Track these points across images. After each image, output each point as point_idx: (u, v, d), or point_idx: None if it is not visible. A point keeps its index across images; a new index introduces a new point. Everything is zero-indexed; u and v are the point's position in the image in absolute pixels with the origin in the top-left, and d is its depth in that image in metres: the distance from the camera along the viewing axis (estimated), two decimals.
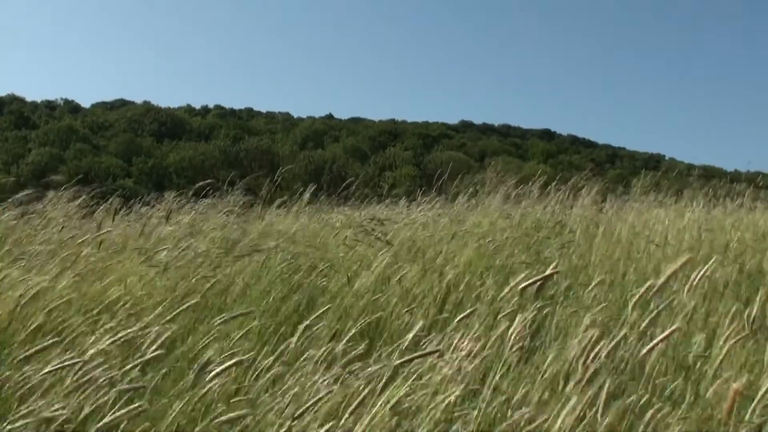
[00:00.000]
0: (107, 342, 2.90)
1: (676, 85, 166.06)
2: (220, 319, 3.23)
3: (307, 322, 3.34)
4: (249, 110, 78.08)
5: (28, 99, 67.73)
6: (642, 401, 2.66)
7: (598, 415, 2.39)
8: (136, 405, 2.40)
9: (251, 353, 3.10)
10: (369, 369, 2.68)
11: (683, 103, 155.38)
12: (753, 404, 2.45)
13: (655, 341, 2.53)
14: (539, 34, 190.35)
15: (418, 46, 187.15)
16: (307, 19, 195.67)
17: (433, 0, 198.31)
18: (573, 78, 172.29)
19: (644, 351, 2.60)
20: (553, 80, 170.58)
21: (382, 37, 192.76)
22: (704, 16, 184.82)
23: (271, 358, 3.08)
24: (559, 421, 2.34)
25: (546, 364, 2.80)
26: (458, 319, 3.02)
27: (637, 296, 2.70)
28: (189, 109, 75.11)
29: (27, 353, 2.77)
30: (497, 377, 2.63)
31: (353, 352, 3.02)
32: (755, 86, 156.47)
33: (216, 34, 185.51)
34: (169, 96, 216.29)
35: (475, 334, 2.89)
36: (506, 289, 2.86)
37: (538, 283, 2.64)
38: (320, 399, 2.44)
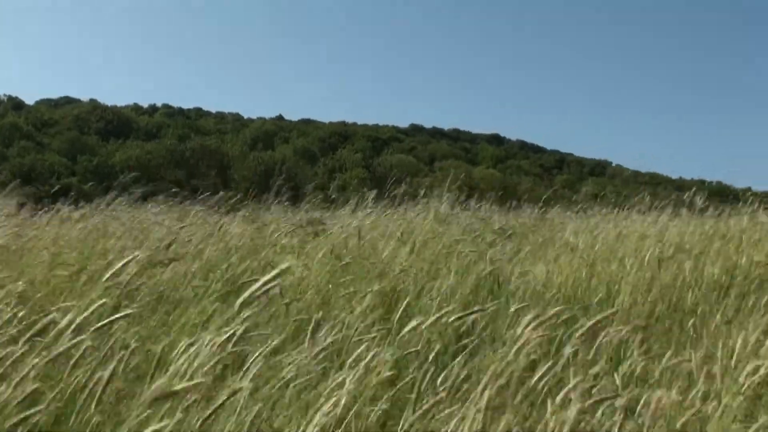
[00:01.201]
0: None
1: (624, 92, 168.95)
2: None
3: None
4: (198, 110, 77.44)
5: None
6: None
7: None
8: None
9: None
10: None
11: (631, 110, 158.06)
12: None
13: None
14: (490, 39, 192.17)
15: (370, 49, 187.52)
16: (258, 19, 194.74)
17: (385, 2, 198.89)
18: (523, 83, 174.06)
19: None
20: (504, 85, 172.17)
21: (333, 39, 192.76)
22: (653, 23, 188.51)
23: None
24: None
25: None
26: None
27: None
28: (136, 108, 74.15)
29: None
30: None
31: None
32: (703, 94, 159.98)
33: (165, 32, 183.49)
34: (116, 94, 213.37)
35: None
36: None
37: None
38: None
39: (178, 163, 36.26)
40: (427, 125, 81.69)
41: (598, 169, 70.39)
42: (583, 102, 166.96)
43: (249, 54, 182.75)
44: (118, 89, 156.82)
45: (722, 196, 10.66)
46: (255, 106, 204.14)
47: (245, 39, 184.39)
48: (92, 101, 67.52)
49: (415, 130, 78.74)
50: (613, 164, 71.55)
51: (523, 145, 79.16)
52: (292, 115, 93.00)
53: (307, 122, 72.36)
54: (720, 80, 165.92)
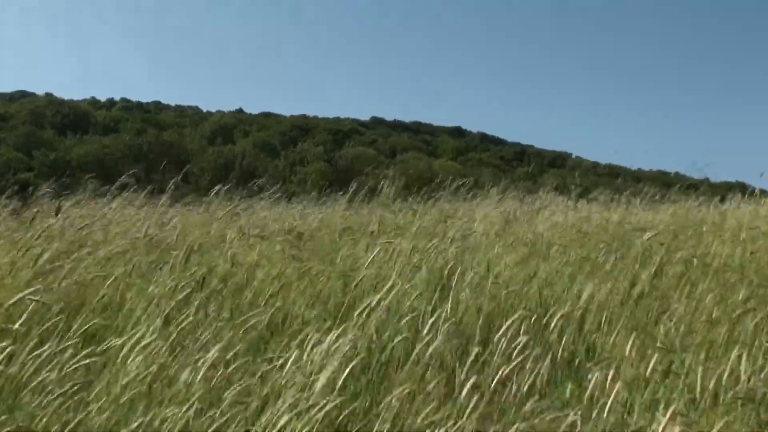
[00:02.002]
0: None
1: (584, 84, 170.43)
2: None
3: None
4: (157, 103, 76.61)
5: None
6: None
7: None
8: None
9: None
10: None
11: (590, 102, 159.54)
12: None
13: None
14: (450, 32, 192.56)
15: (331, 42, 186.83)
16: (217, 12, 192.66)
17: None
18: (484, 76, 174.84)
19: None
20: (465, 78, 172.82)
21: (293, 32, 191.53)
22: (611, 16, 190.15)
23: None
24: None
25: None
26: None
27: None
28: (93, 102, 73.10)
29: None
30: None
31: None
32: (662, 86, 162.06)
33: (123, 25, 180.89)
34: (72, 88, 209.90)
35: None
36: None
37: None
38: None
39: (136, 158, 35.81)
40: (388, 118, 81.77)
41: (559, 160, 71.00)
42: (543, 95, 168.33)
43: (209, 47, 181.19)
44: (74, 83, 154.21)
45: (680, 187, 10.81)
46: (215, 100, 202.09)
47: (205, 32, 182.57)
48: (48, 95, 66.46)
49: (377, 122, 78.73)
50: (573, 156, 72.29)
51: (484, 138, 79.52)
52: (252, 109, 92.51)
53: (267, 115, 71.96)
54: (678, 74, 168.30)
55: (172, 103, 77.75)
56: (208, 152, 39.07)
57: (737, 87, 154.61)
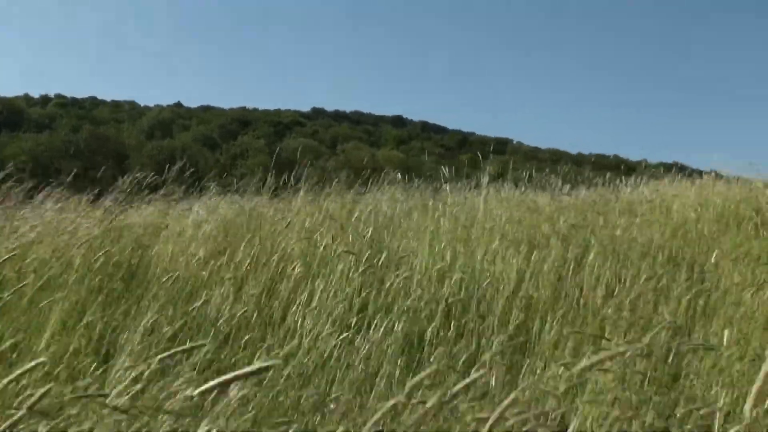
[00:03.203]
0: None
1: (523, 70, 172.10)
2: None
3: None
4: (93, 99, 75.13)
5: None
6: None
7: None
8: None
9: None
10: None
11: (531, 89, 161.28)
12: None
13: None
14: (390, 21, 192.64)
15: (269, 33, 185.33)
16: (153, 5, 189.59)
17: None
18: (424, 65, 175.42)
19: None
20: (405, 67, 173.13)
21: (231, 25, 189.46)
22: (552, 3, 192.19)
23: None
24: None
25: None
26: None
27: None
28: (27, 99, 71.40)
29: None
30: None
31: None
32: (600, 71, 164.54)
33: (56, 20, 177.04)
34: (5, 85, 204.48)
35: None
36: None
37: None
38: None
39: (74, 155, 35.12)
40: (329, 108, 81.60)
41: (500, 147, 71.67)
42: (483, 82, 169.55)
43: (144, 42, 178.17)
44: (6, 80, 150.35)
45: (618, 169, 11.13)
46: (152, 94, 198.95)
47: (140, 27, 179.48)
48: None
49: (318, 113, 78.51)
50: (514, 141, 73.03)
51: (426, 126, 79.87)
52: (191, 102, 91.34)
53: (206, 109, 71.19)
54: (616, 60, 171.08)
55: (108, 99, 76.37)
56: (147, 147, 38.52)
57: (673, 76, 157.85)
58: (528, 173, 8.52)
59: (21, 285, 3.60)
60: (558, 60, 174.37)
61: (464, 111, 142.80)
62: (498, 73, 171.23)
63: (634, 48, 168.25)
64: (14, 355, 3.03)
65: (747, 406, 1.52)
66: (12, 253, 3.91)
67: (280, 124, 63.40)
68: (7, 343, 2.92)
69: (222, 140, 48.93)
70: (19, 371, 1.74)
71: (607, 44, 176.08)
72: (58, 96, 73.96)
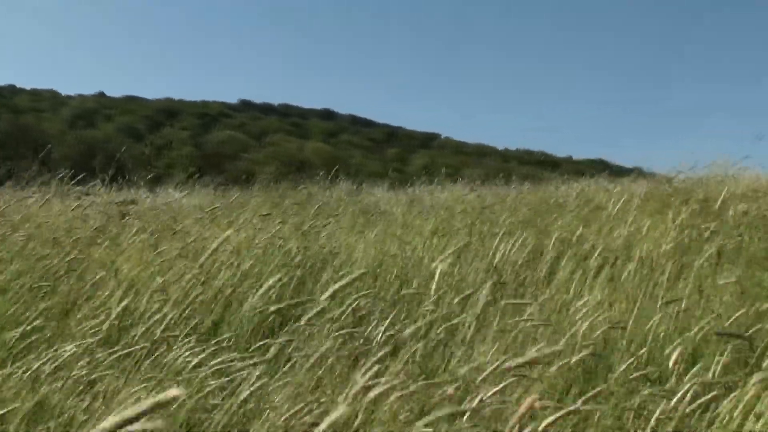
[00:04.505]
0: None
1: (451, 64, 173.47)
2: None
3: None
4: (11, 87, 72.90)
5: None
6: None
7: None
8: None
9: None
10: None
11: (459, 83, 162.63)
12: None
13: None
14: (318, 13, 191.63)
15: (197, 24, 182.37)
16: None
17: None
18: (353, 58, 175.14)
19: None
20: (334, 61, 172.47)
21: (156, 14, 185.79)
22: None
23: None
24: None
25: None
26: None
27: None
28: None
29: None
30: None
31: None
32: (529, 63, 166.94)
33: None
34: None
35: None
36: None
37: None
38: None
39: None
40: (257, 101, 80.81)
41: (428, 141, 72.23)
42: (412, 76, 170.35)
43: (66, 29, 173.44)
44: None
45: (544, 165, 11.45)
46: (74, 83, 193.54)
47: (61, 13, 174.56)
48: None
49: (245, 105, 77.69)
50: (442, 137, 73.65)
51: (354, 120, 79.89)
52: (115, 92, 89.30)
53: (131, 99, 69.81)
54: (542, 54, 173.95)
55: (28, 87, 74.14)
56: (68, 137, 37.68)
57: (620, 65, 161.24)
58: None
59: None
60: (487, 53, 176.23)
61: (393, 105, 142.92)
62: (427, 68, 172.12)
63: (560, 40, 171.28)
64: None
65: None
66: None
67: (207, 116, 62.66)
68: None
69: (147, 131, 48.17)
70: None
71: (532, 34, 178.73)
72: None
